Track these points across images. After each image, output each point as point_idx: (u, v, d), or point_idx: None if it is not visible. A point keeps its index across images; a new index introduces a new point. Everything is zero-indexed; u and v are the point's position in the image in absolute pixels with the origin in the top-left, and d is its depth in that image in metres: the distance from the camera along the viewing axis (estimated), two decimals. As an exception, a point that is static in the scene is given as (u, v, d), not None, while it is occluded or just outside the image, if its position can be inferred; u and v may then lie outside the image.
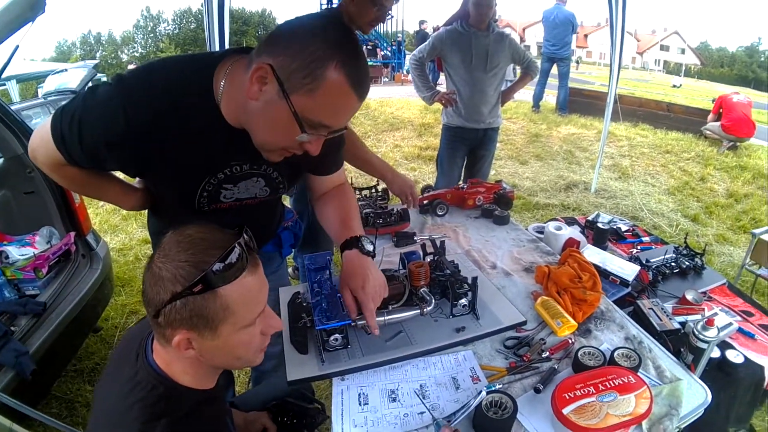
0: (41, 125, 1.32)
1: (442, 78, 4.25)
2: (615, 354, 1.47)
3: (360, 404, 1.40)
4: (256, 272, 1.05)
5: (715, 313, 1.92)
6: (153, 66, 1.29)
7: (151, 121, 1.21)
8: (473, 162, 4.30)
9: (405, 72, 19.22)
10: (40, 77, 13.28)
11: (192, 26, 52.90)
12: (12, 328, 2.45)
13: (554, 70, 10.23)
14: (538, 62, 9.95)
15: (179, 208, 1.49)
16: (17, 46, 2.86)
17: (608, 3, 5.21)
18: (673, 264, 2.36)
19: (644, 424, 1.27)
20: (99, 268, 3.17)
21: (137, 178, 1.59)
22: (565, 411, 1.24)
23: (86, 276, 3.08)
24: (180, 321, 0.97)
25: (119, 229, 5.54)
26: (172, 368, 1.08)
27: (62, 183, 1.49)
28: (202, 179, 1.39)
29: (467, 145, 4.17)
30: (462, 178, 4.37)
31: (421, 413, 1.35)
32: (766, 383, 1.82)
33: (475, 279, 1.64)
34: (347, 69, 1.09)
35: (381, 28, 27.14)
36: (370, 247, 1.51)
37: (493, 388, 1.35)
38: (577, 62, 36.40)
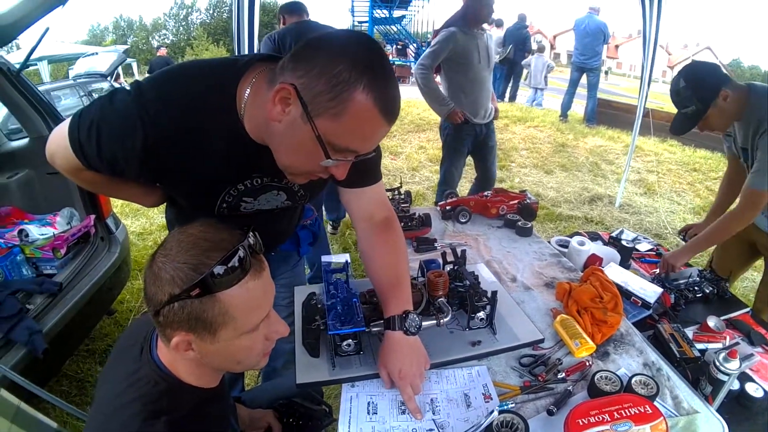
0: (58, 129, 1.29)
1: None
2: (632, 380, 1.43)
3: (368, 413, 1.37)
4: (260, 276, 1.02)
5: (737, 343, 1.87)
6: (172, 75, 1.24)
7: (170, 135, 1.18)
8: (483, 156, 4.45)
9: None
10: (71, 59, 13.61)
11: (224, 16, 53.20)
12: (27, 306, 2.48)
13: (583, 79, 10.13)
14: (568, 70, 9.91)
15: (199, 214, 1.48)
16: (47, 28, 2.90)
17: (642, 15, 5.13)
18: (696, 288, 2.29)
19: (658, 456, 1.23)
20: (117, 252, 3.20)
21: None
22: None
23: (104, 259, 3.11)
24: (178, 323, 0.96)
25: (140, 214, 5.62)
26: (176, 366, 1.07)
27: (82, 185, 1.47)
28: (222, 191, 1.37)
29: (471, 141, 4.29)
30: (477, 177, 4.61)
31: (430, 430, 1.32)
32: None
33: (494, 293, 1.61)
34: (375, 92, 1.02)
35: (410, 27, 27.19)
36: (414, 329, 1.45)
37: (505, 408, 1.32)
38: (606, 73, 36.12)
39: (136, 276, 4.10)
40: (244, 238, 0.99)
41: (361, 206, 1.56)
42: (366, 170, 1.49)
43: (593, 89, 10.19)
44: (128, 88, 1.20)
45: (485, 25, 4.09)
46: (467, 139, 4.25)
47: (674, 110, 2.39)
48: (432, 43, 4.06)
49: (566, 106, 10.59)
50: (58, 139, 1.27)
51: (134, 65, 18.68)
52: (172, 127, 1.17)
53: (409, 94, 10.28)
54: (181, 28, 55.93)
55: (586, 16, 9.63)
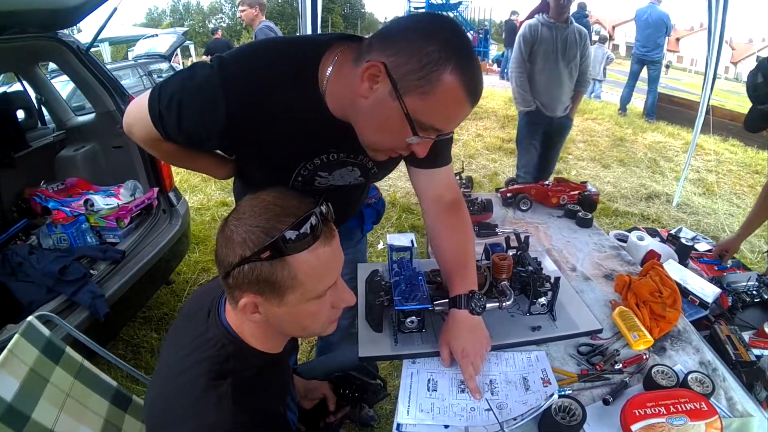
0: (136, 101, 1.32)
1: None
2: (689, 377, 1.42)
3: (428, 390, 1.41)
4: (331, 244, 1.03)
5: (794, 352, 1.84)
6: (255, 51, 1.28)
7: (253, 109, 1.21)
8: (547, 147, 4.55)
9: (490, 62, 19.09)
10: (131, 41, 14.13)
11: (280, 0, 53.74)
12: (91, 272, 2.60)
13: (643, 73, 9.86)
14: (628, 62, 9.63)
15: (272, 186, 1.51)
16: (115, 8, 3.00)
17: (707, 7, 4.95)
18: (754, 293, 2.23)
19: (709, 455, 1.22)
20: (178, 225, 3.31)
21: None
22: (634, 428, 1.21)
23: (165, 230, 3.22)
24: (247, 284, 0.98)
25: (198, 190, 5.80)
26: (243, 329, 1.09)
27: (157, 156, 1.50)
28: (298, 164, 1.38)
29: (541, 131, 4.39)
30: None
31: (488, 410, 1.34)
32: None
33: (557, 279, 1.62)
34: (462, 74, 1.05)
35: (467, 14, 26.89)
36: (479, 309, 1.47)
37: (564, 393, 1.34)
38: (667, 66, 34.99)
39: (193, 249, 4.26)
40: (315, 206, 1.01)
41: (431, 187, 1.58)
42: (439, 152, 1.51)
43: (654, 83, 9.87)
44: (209, 62, 1.23)
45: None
46: (539, 129, 4.37)
47: (737, 108, 2.31)
48: (516, 40, 4.21)
49: (626, 100, 10.33)
50: (137, 112, 1.31)
51: (191, 47, 19.18)
52: (254, 100, 1.20)
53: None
54: (237, 11, 56.68)
55: (648, 6, 9.31)
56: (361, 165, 1.46)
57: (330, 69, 1.21)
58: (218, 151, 1.58)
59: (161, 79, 1.30)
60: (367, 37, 1.21)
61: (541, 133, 4.40)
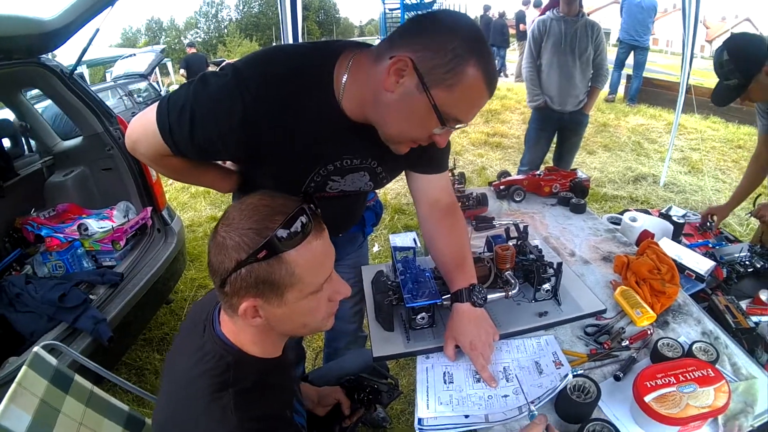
0: (140, 117, 1.31)
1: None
2: (693, 347, 1.47)
3: (445, 382, 1.43)
4: (322, 237, 1.05)
5: (790, 316, 1.89)
6: (271, 55, 1.28)
7: (270, 114, 1.21)
8: (560, 143, 4.57)
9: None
10: (109, 62, 14.03)
11: (254, 11, 53.36)
12: (91, 297, 2.57)
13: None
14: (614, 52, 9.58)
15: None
16: (97, 29, 2.96)
17: None
18: (747, 263, 2.29)
19: (720, 418, 1.27)
20: (174, 243, 3.28)
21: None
22: (647, 398, 1.25)
23: (161, 249, 3.20)
24: (246, 288, 0.98)
25: (188, 207, 5.75)
26: (240, 338, 1.10)
27: (162, 172, 1.48)
28: (312, 169, 1.39)
29: (554, 127, 4.38)
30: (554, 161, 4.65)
31: (505, 396, 1.36)
32: None
33: (560, 264, 1.65)
34: (483, 67, 1.11)
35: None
36: (481, 301, 1.51)
37: (578, 373, 1.37)
38: (644, 50, 34.90)
39: (188, 267, 4.21)
40: (302, 202, 1.03)
41: (429, 191, 1.64)
42: (438, 158, 1.59)
43: (641, 68, 9.81)
44: (218, 71, 1.24)
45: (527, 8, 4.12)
46: (550, 125, 4.38)
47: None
48: (527, 37, 4.26)
49: (615, 85, 10.29)
50: (142, 128, 1.30)
51: (169, 64, 19.12)
52: (270, 106, 1.21)
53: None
54: (212, 26, 56.14)
55: (639, -8, 9.22)
56: (371, 169, 1.48)
57: (345, 76, 1.24)
58: (225, 163, 1.59)
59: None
60: (375, 44, 1.25)
61: (553, 130, 4.41)
